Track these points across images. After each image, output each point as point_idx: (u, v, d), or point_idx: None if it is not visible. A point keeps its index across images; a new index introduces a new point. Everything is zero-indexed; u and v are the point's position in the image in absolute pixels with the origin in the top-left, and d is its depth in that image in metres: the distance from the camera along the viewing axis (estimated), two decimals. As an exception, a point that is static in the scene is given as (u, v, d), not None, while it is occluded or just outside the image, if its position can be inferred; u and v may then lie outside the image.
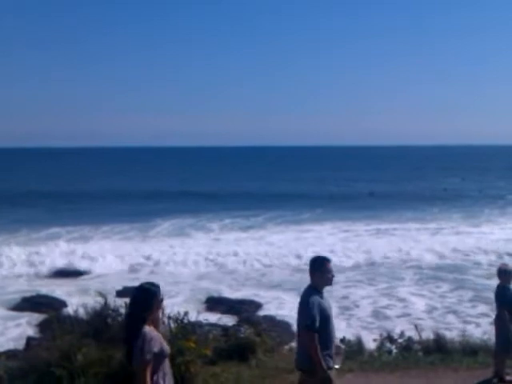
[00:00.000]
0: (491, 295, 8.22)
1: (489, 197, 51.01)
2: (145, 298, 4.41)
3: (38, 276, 22.50)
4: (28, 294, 19.24)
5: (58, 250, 26.04)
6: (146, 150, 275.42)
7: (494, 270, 8.41)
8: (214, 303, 18.22)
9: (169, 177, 79.64)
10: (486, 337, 9.93)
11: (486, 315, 15.87)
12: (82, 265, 23.92)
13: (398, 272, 22.51)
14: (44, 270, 23.29)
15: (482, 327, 14.49)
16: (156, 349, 4.37)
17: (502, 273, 7.93)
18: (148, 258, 24.83)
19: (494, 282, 8.23)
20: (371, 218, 36.73)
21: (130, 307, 4.49)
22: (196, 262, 24.33)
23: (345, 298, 18.80)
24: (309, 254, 24.35)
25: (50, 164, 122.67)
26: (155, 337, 4.39)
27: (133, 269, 23.52)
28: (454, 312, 17.29)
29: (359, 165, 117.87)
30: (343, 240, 29.18)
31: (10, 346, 12.49)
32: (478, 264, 23.73)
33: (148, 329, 4.37)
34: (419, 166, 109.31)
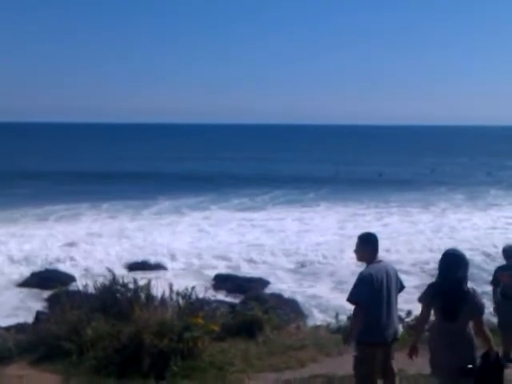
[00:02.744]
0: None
1: (497, 179, 50.59)
2: (466, 262, 5.11)
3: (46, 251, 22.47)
4: (36, 269, 19.40)
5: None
6: (137, 127, 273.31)
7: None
8: (222, 281, 18.27)
9: (169, 155, 79.43)
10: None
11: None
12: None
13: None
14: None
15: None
16: None
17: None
18: (143, 237, 24.93)
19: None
20: (376, 200, 36.68)
21: (455, 270, 5.05)
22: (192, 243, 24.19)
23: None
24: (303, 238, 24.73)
25: (55, 141, 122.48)
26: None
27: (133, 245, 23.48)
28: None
29: (368, 145, 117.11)
30: (341, 221, 29.19)
31: (20, 319, 12.58)
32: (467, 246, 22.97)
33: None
34: (429, 146, 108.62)
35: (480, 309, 5.01)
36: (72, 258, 21.35)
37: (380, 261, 5.64)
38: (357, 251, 5.71)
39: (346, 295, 5.60)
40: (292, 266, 20.86)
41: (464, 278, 5.05)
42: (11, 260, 20.93)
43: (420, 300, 5.31)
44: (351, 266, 19.14)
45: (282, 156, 79.52)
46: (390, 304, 5.58)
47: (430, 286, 5.24)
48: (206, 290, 9.87)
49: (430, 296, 5.17)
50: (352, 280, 5.72)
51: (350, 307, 5.65)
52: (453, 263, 5.08)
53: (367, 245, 5.65)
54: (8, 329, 10.01)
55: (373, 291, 5.46)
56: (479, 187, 43.91)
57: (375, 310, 5.52)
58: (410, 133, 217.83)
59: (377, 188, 43.02)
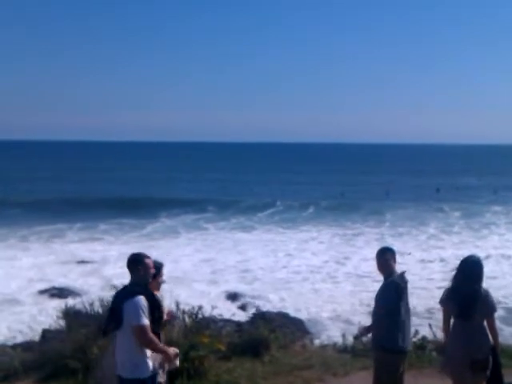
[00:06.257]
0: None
1: (502, 199, 49.94)
2: (481, 267, 5.69)
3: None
4: (43, 287, 19.41)
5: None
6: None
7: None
8: (228, 299, 18.26)
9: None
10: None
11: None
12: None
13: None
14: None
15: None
16: None
17: None
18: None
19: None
20: (375, 220, 36.63)
21: (470, 275, 5.60)
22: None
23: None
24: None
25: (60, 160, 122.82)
26: None
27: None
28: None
29: (371, 164, 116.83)
30: (336, 244, 28.68)
31: (26, 337, 12.56)
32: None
33: None
34: (431, 166, 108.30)
35: (492, 308, 5.59)
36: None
37: (401, 272, 5.95)
38: (377, 262, 6.01)
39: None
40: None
41: (478, 282, 5.61)
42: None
43: (441, 302, 5.85)
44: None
45: (285, 177, 79.29)
46: (408, 315, 5.91)
47: (449, 289, 5.76)
48: (213, 308, 9.84)
49: (448, 298, 5.71)
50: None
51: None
52: (468, 268, 5.66)
53: (386, 257, 5.98)
54: (14, 347, 10.02)
55: (398, 300, 5.77)
56: (484, 207, 43.60)
57: (398, 319, 5.80)
58: (409, 151, 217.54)
59: (382, 208, 42.66)
